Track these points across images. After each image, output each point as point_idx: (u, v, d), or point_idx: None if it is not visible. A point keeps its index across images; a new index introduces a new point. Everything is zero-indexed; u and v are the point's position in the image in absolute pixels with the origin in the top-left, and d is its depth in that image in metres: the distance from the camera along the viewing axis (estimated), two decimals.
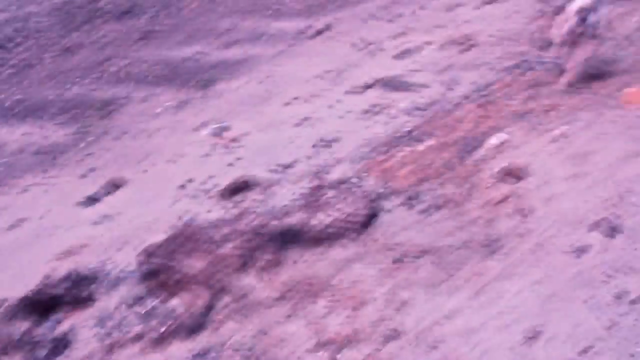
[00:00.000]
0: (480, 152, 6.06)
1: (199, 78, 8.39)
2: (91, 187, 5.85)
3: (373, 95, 7.59)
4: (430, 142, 6.29)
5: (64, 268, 4.81)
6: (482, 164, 5.91)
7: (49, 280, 4.69)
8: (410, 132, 6.57)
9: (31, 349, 4.19)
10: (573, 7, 6.61)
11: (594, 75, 7.53)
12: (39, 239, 5.19)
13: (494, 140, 6.24)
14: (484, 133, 6.38)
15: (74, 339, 4.26)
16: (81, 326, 4.31)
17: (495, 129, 6.44)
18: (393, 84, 7.83)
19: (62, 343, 4.21)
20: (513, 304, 4.31)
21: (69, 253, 4.98)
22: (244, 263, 4.69)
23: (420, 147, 6.22)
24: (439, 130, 6.51)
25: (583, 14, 6.54)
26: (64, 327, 4.32)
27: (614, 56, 8.21)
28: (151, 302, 4.47)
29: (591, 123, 6.53)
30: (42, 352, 4.14)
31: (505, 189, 5.55)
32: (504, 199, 5.43)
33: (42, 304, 4.48)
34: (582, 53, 6.83)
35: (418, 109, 7.14)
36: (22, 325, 4.35)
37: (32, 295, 4.53)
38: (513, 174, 5.68)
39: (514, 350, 3.98)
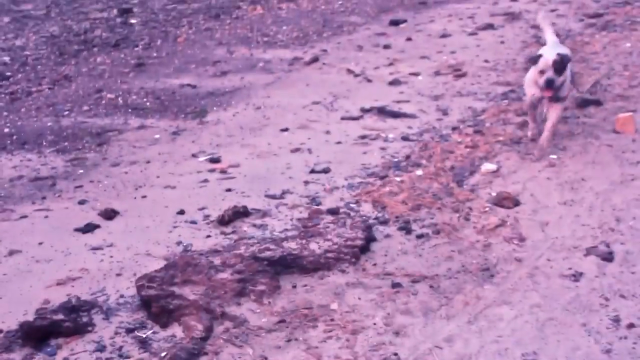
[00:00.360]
0: (475, 178, 6.10)
1: (194, 106, 8.44)
2: (89, 214, 5.86)
3: (368, 122, 7.66)
4: (426, 168, 6.34)
5: (63, 294, 4.80)
6: (478, 190, 5.95)
7: (48, 306, 4.68)
8: (406, 158, 6.62)
9: None
10: (546, 61, 6.46)
11: (589, 100, 7.61)
12: (38, 265, 5.19)
13: (488, 167, 6.30)
14: (479, 159, 6.44)
15: None
16: (81, 352, 4.29)
17: (490, 155, 6.51)
18: (387, 111, 7.91)
19: None
20: (511, 329, 4.33)
21: (67, 280, 4.98)
22: (243, 289, 4.70)
23: (416, 173, 6.26)
24: (434, 156, 6.57)
25: (548, 78, 6.40)
26: (63, 353, 4.30)
27: (607, 81, 8.30)
28: (150, 328, 4.47)
29: (586, 148, 6.60)
30: None
31: (500, 214, 5.60)
32: (499, 225, 5.47)
33: (42, 330, 4.46)
34: (553, 114, 6.68)
35: (413, 134, 7.21)
36: (22, 351, 4.34)
37: (32, 321, 4.52)
38: (508, 200, 5.72)
39: None
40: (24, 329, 4.47)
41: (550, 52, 6.60)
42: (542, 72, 6.45)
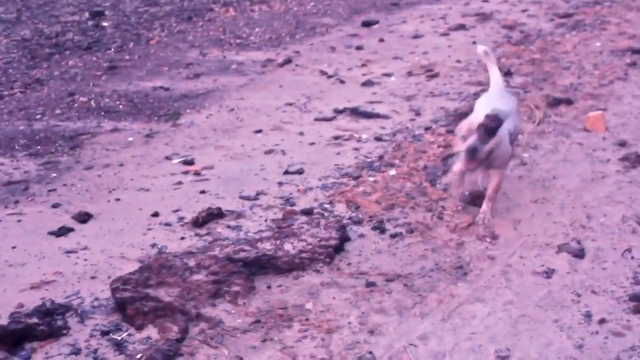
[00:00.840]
0: (448, 178, 6.14)
1: (167, 108, 8.42)
2: (63, 218, 5.83)
3: (342, 122, 7.69)
4: (399, 168, 6.37)
5: (37, 298, 4.78)
6: (450, 189, 5.99)
7: (22, 310, 4.66)
8: (379, 158, 6.65)
9: None
10: (470, 123, 5.44)
11: (559, 99, 7.69)
12: (11, 269, 5.16)
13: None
14: (451, 159, 6.48)
15: None
16: (56, 355, 4.28)
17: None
18: (360, 112, 7.94)
19: None
20: (484, 326, 4.38)
21: (42, 283, 4.96)
22: (218, 290, 4.71)
23: (390, 173, 6.30)
24: (407, 156, 6.61)
25: (471, 146, 5.26)
26: (38, 356, 4.28)
27: (578, 80, 8.40)
28: (126, 331, 4.47)
29: (557, 146, 6.67)
30: None
31: (473, 213, 5.65)
32: (472, 223, 5.52)
33: (16, 334, 4.44)
34: (494, 179, 5.61)
35: (386, 135, 7.25)
36: None
37: (6, 325, 4.50)
38: (481, 199, 5.77)
39: None
40: None
41: (482, 109, 5.56)
42: (464, 137, 5.41)
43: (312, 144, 7.17)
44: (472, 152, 5.24)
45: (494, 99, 5.81)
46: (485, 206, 5.60)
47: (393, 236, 5.38)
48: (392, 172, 6.32)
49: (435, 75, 9.15)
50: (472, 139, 5.24)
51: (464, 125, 5.51)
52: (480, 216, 5.57)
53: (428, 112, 7.90)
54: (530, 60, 9.54)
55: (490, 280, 4.84)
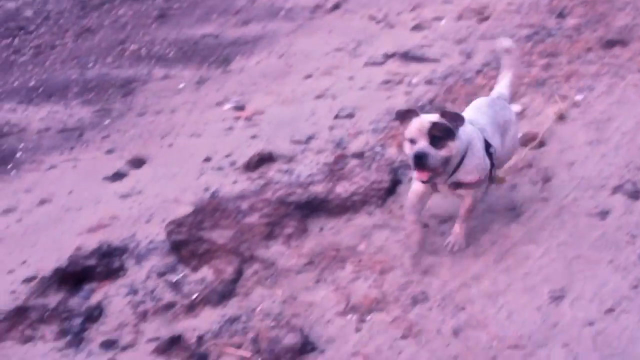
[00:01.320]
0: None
1: (218, 55, 8.43)
2: (117, 163, 5.92)
3: (392, 67, 7.61)
4: None
5: (94, 240, 4.89)
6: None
7: (80, 252, 4.77)
8: (430, 101, 6.60)
9: (66, 317, 4.27)
10: (420, 123, 4.20)
11: (614, 41, 7.53)
12: (69, 213, 5.27)
13: (514, 108, 6.25)
14: None
15: (107, 307, 4.34)
16: (114, 296, 4.38)
17: (515, 97, 6.46)
18: (410, 56, 7.85)
19: (96, 312, 4.29)
20: (538, 266, 4.36)
21: (98, 226, 5.06)
22: (271, 232, 4.76)
23: None
24: (459, 99, 6.54)
25: (418, 151, 4.10)
26: (97, 296, 4.39)
27: (633, 21, 8.20)
28: (181, 272, 4.55)
29: (611, 88, 6.54)
30: (77, 321, 4.21)
31: (526, 155, 5.59)
32: (525, 166, 5.47)
33: (75, 276, 4.56)
34: (466, 200, 4.55)
35: (437, 78, 7.17)
36: (56, 296, 4.43)
37: (65, 267, 4.62)
38: (534, 140, 5.70)
39: (541, 310, 4.03)
40: (58, 274, 4.57)
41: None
42: (412, 140, 4.19)
43: (363, 88, 7.13)
44: (419, 158, 4.10)
45: (481, 108, 4.80)
46: (456, 229, 4.60)
47: None
48: None
49: (486, 18, 8.99)
50: (422, 142, 4.14)
51: (413, 126, 4.20)
52: (449, 240, 4.60)
53: (479, 55, 7.78)
54: (584, 1, 9.33)
55: (543, 221, 4.79)
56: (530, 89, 6.68)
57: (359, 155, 5.68)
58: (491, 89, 6.56)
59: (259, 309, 4.20)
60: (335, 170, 5.39)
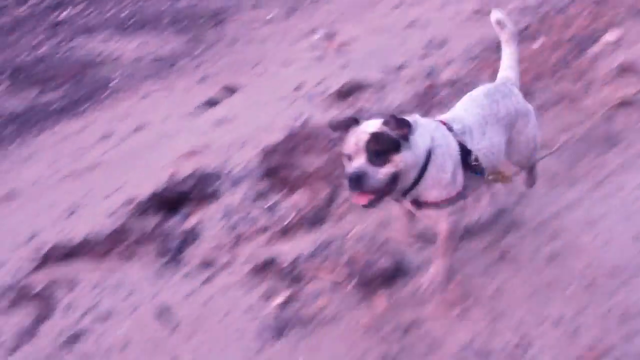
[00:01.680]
0: (596, 49, 5.92)
1: None
2: (208, 92, 5.99)
3: None
4: (544, 40, 6.19)
5: (188, 167, 4.98)
6: (598, 60, 5.79)
7: (175, 178, 4.87)
8: (523, 30, 6.47)
9: (164, 240, 4.38)
10: (357, 135, 3.32)
11: None
12: (163, 140, 5.37)
13: (609, 37, 6.09)
14: (599, 30, 6.23)
15: (202, 231, 4.43)
16: (209, 219, 4.47)
17: (611, 25, 6.28)
18: None
19: (192, 235, 4.39)
20: (635, 196, 4.28)
21: (192, 153, 5.14)
22: None
23: (534, 45, 6.13)
24: (552, 28, 6.40)
25: (355, 171, 3.23)
26: (192, 220, 4.49)
27: None
28: (274, 197, 4.61)
29: None
30: (174, 243, 4.33)
31: (623, 84, 5.45)
32: (622, 96, 5.33)
33: (171, 200, 4.67)
34: (442, 227, 3.64)
35: (530, 7, 7.01)
36: (153, 219, 4.55)
37: (161, 191, 4.73)
38: (631, 70, 5.55)
39: (638, 239, 3.97)
40: (155, 199, 4.69)
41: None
42: (348, 156, 3.33)
43: (452, 18, 7.03)
44: (354, 179, 3.24)
45: (475, 100, 3.84)
46: (435, 267, 3.81)
47: (539, 107, 5.26)
48: (538, 44, 6.13)
49: None
50: (359, 160, 3.28)
51: (349, 139, 3.36)
52: (426, 278, 3.82)
53: None
54: None
55: None
56: (628, 17, 6.48)
57: (450, 84, 5.62)
58: (586, 17, 6.43)
59: (351, 234, 4.24)
60: (425, 100, 5.36)
